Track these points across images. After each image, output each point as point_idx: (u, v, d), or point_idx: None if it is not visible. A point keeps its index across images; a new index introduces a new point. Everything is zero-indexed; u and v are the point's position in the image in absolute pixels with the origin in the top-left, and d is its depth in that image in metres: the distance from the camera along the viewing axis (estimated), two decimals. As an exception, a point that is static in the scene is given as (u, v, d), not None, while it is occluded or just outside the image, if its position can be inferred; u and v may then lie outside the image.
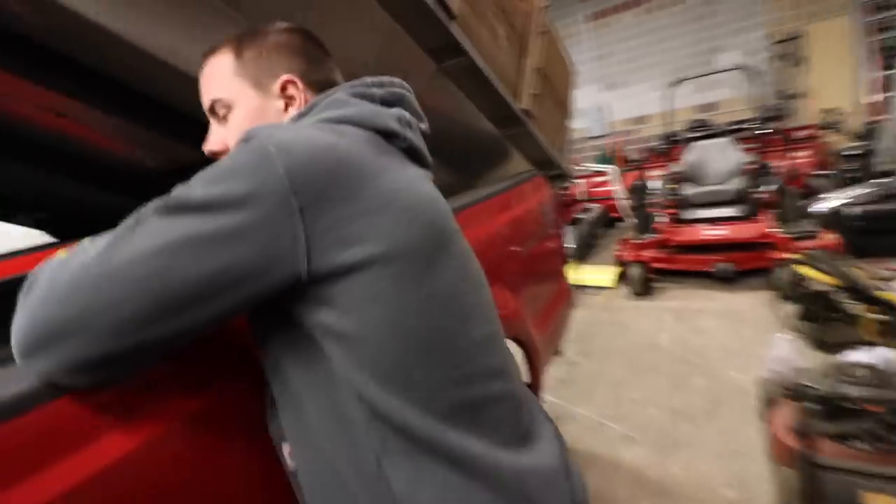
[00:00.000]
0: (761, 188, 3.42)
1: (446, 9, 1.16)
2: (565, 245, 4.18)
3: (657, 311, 3.10)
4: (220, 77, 0.58)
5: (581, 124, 7.33)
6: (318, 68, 0.61)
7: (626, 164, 5.87)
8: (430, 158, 0.59)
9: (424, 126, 0.60)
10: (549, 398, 2.25)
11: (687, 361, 2.42)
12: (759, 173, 3.55)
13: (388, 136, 0.53)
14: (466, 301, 0.50)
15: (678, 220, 3.62)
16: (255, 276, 0.42)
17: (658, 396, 2.15)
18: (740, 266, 3.16)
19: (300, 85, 0.59)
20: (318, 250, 0.43)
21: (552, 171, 2.05)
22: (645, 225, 3.86)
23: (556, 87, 1.90)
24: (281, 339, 0.48)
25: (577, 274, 3.84)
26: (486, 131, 1.66)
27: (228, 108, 0.58)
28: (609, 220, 5.46)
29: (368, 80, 0.58)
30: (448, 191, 1.50)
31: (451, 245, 0.51)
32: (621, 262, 3.59)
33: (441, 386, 0.46)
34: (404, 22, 1.17)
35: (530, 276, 1.47)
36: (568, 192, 5.48)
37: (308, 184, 0.42)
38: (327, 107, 0.53)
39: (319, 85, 0.60)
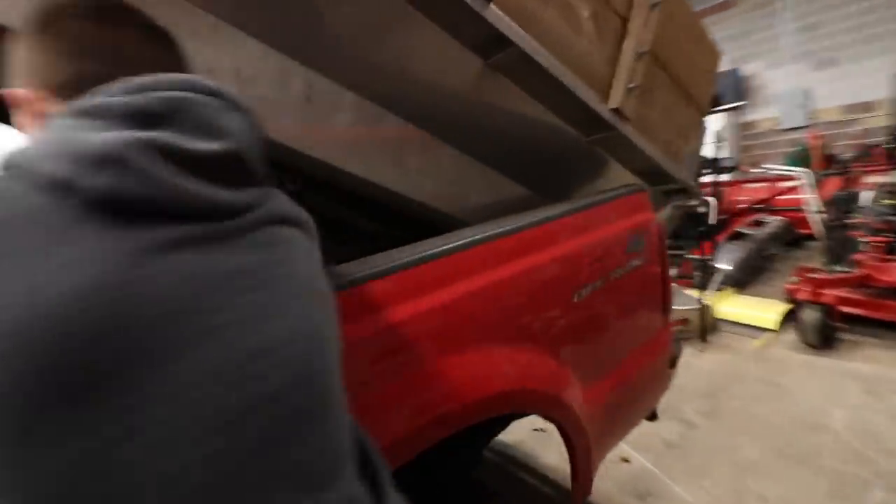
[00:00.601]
0: None
1: (479, -10, 0.92)
2: (719, 267, 3.42)
3: (836, 376, 2.28)
4: None
5: (774, 113, 5.94)
6: (70, 65, 0.42)
7: (830, 166, 4.55)
8: (202, 199, 0.38)
9: (219, 145, 0.40)
10: (641, 460, 1.82)
11: (866, 459, 1.70)
12: None
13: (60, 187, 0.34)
14: (120, 481, 0.30)
15: (892, 251, 2.61)
16: None
17: (805, 502, 1.55)
18: None
19: (37, 95, 0.43)
20: None
21: (667, 184, 1.59)
22: (840, 252, 2.90)
23: (680, 75, 1.45)
24: None
25: (729, 305, 3.09)
26: (566, 136, 1.34)
27: None
28: (793, 237, 4.30)
29: (136, 82, 0.40)
30: (487, 214, 1.25)
31: (117, 381, 0.31)
32: (793, 300, 2.75)
33: None
34: (432, 12, 0.97)
35: (594, 327, 1.13)
36: (728, 197, 4.49)
37: None
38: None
39: (71, 90, 0.41)
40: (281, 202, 0.48)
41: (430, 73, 1.08)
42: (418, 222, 1.27)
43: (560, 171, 1.46)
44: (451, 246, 0.89)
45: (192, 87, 0.41)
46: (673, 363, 1.43)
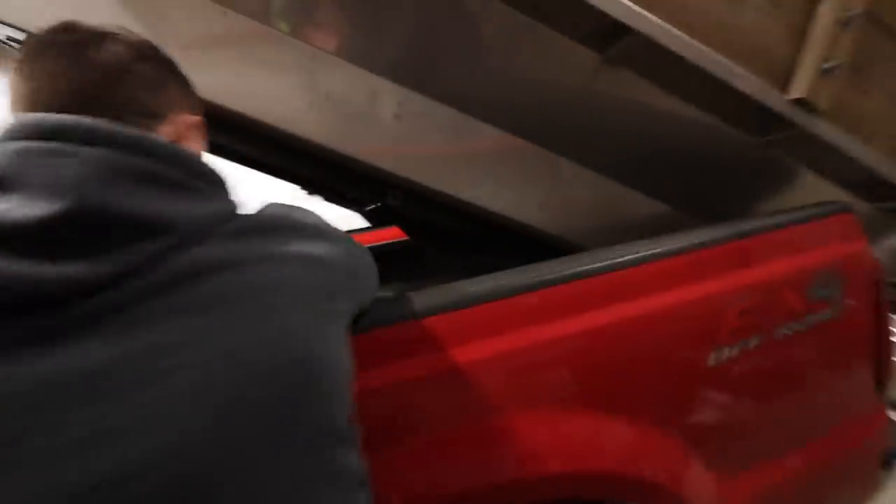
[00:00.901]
0: None
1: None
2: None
3: None
4: None
5: None
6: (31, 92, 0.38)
7: None
8: (18, 285, 0.29)
9: (58, 206, 0.30)
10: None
11: None
12: None
13: None
14: None
15: None
16: None
17: None
18: None
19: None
20: None
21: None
22: None
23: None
24: None
25: None
26: (727, 138, 1.04)
27: None
28: None
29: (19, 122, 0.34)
30: (607, 236, 1.03)
31: None
32: None
33: None
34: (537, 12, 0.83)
35: (741, 400, 0.83)
36: None
37: None
38: None
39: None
40: (221, 242, 0.36)
41: (534, 75, 0.93)
42: (523, 243, 1.13)
43: (718, 182, 1.15)
44: (541, 279, 0.74)
45: (36, 131, 0.33)
46: (889, 461, 0.98)
